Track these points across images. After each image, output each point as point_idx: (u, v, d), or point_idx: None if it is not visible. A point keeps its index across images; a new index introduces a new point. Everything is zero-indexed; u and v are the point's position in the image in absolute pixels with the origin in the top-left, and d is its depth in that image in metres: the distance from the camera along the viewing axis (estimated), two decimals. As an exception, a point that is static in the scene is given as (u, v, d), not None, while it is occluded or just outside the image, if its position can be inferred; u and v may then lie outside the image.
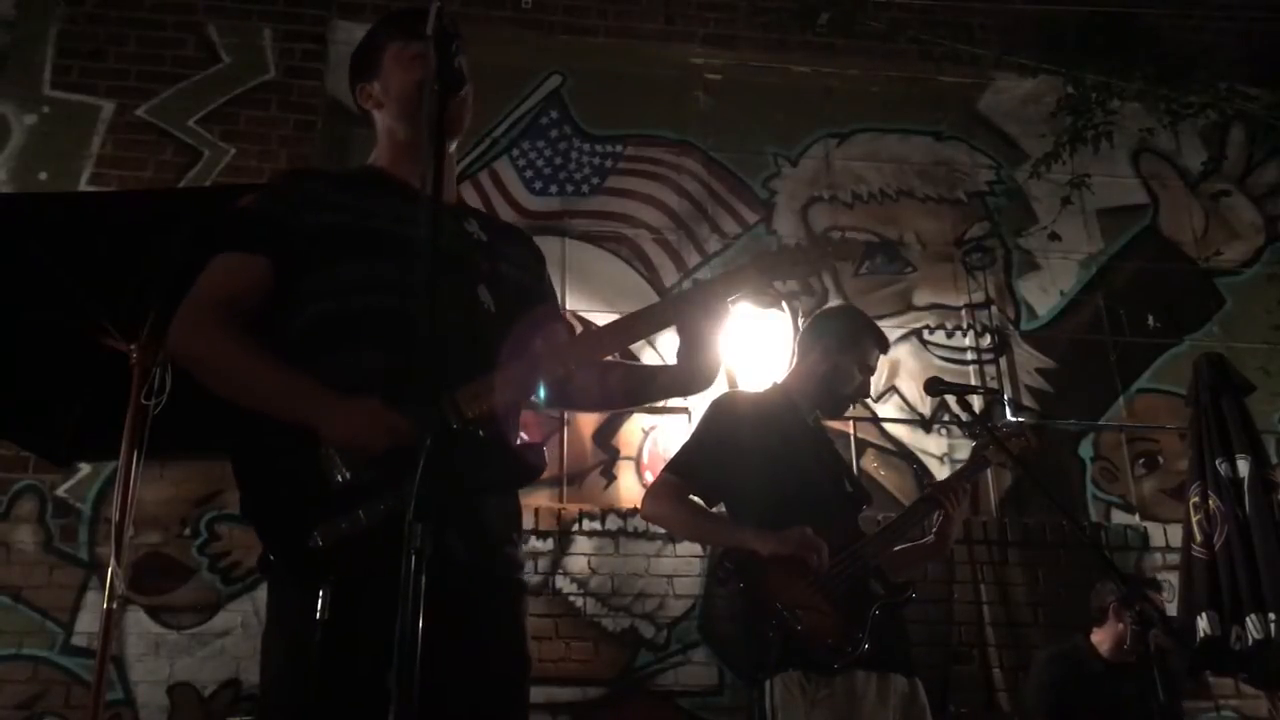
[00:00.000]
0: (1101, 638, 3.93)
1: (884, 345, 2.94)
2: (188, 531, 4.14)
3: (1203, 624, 4.09)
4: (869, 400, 4.89)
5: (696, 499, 2.73)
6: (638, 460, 4.61)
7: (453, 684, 1.44)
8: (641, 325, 1.82)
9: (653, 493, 2.75)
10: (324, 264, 1.64)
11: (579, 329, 4.74)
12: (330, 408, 1.50)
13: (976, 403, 4.80)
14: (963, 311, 5.13)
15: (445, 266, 1.45)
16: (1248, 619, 4.03)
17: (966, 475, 2.94)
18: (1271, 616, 3.98)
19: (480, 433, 1.53)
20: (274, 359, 1.59)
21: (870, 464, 4.76)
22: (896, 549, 2.84)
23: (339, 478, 1.48)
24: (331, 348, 1.60)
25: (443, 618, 1.11)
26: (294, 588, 1.50)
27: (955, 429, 4.87)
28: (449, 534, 1.42)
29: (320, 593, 1.40)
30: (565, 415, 4.61)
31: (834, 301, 4.97)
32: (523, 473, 1.61)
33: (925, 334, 5.07)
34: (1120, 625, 3.89)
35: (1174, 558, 4.48)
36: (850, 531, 2.73)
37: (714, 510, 2.77)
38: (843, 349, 2.86)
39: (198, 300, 1.64)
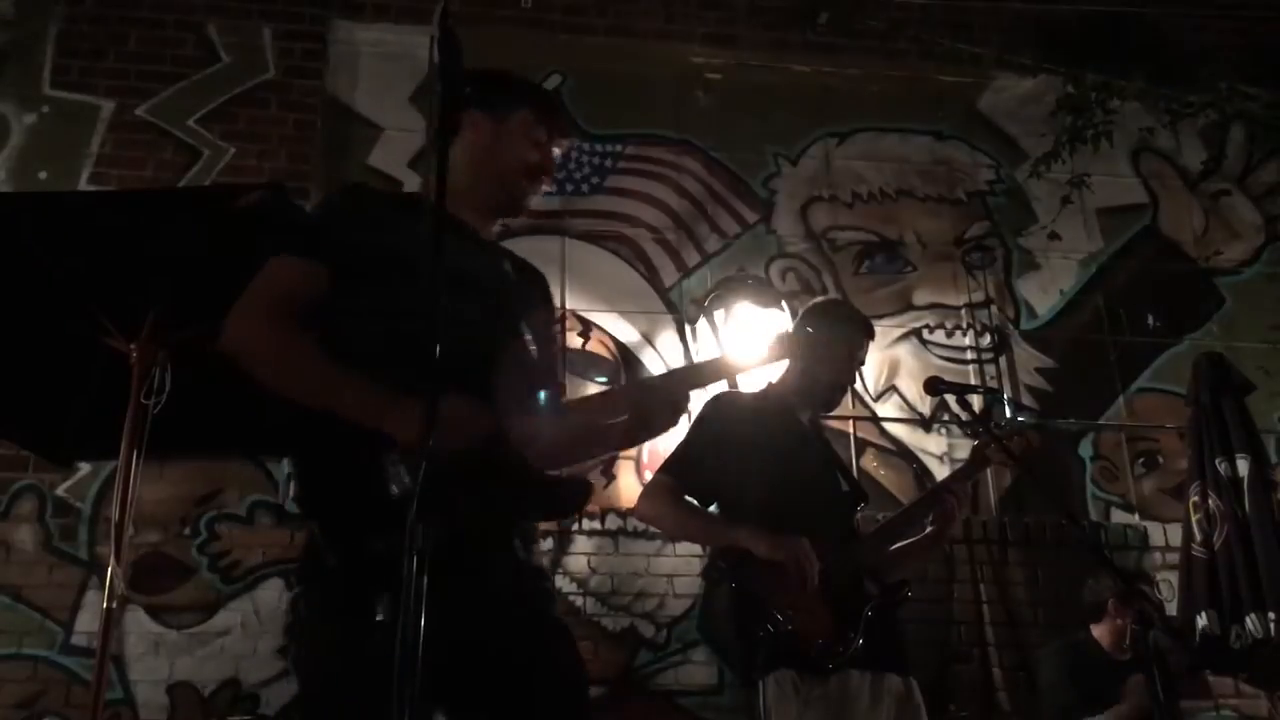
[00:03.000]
0: (1100, 633, 3.95)
1: (867, 331, 2.91)
2: (188, 531, 4.14)
3: (1202, 623, 4.10)
4: (869, 399, 4.89)
5: (691, 499, 2.73)
6: (637, 460, 4.61)
7: (536, 699, 1.57)
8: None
9: (647, 493, 2.75)
10: (374, 283, 1.64)
11: (579, 328, 4.76)
12: (408, 408, 1.48)
13: (976, 402, 4.79)
14: (963, 311, 5.13)
15: (495, 302, 1.67)
16: (1247, 618, 4.04)
17: (967, 475, 2.94)
18: (1271, 616, 3.99)
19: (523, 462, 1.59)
20: (340, 362, 1.58)
21: (870, 463, 4.76)
22: (897, 546, 2.84)
23: (397, 488, 1.48)
24: (375, 366, 1.58)
25: (512, 637, 1.33)
26: (349, 590, 1.50)
27: (955, 429, 4.87)
28: (498, 560, 1.58)
29: (378, 597, 1.41)
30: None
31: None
32: (563, 504, 1.72)
33: (925, 334, 5.07)
34: (1118, 621, 3.91)
35: (1174, 557, 4.48)
36: (845, 530, 2.73)
37: (708, 510, 2.78)
38: (818, 340, 2.86)
39: (257, 298, 1.65)
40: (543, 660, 1.62)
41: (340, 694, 1.50)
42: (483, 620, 1.54)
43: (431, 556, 1.37)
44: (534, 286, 1.94)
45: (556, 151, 1.91)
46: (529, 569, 1.73)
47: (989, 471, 4.63)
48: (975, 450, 2.96)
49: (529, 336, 1.82)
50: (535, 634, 1.64)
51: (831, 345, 2.85)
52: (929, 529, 2.89)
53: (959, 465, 3.05)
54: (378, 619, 1.40)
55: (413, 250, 1.66)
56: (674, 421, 1.80)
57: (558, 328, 2.07)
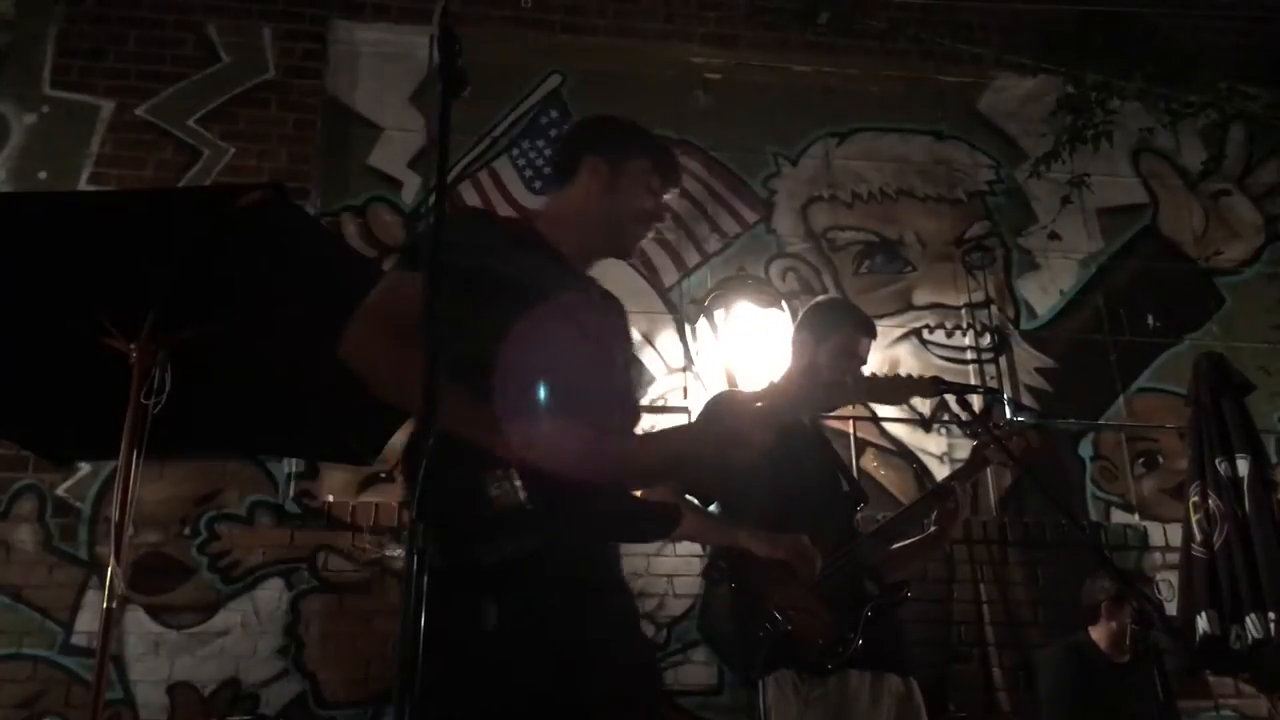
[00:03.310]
0: (1099, 635, 3.96)
1: (868, 330, 2.90)
2: (187, 531, 4.14)
3: (1202, 623, 4.10)
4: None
5: (691, 498, 2.73)
6: (638, 460, 4.60)
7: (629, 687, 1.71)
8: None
9: (647, 493, 2.75)
10: (486, 305, 1.69)
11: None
12: (512, 436, 1.56)
13: (976, 402, 4.80)
14: (962, 311, 5.13)
15: (601, 330, 1.83)
16: (1247, 618, 4.04)
17: (967, 475, 2.94)
18: (1271, 616, 3.99)
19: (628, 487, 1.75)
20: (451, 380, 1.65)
21: (870, 463, 4.76)
22: (898, 546, 2.85)
23: (517, 499, 1.55)
24: (483, 385, 1.64)
25: (618, 643, 1.59)
26: (459, 598, 1.54)
27: (955, 429, 4.87)
28: (600, 577, 1.73)
29: (488, 604, 1.50)
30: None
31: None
32: (655, 527, 1.88)
33: (925, 333, 5.07)
34: (1113, 623, 3.91)
35: (1174, 557, 4.49)
36: (846, 530, 2.73)
37: (709, 510, 2.77)
38: (820, 340, 2.86)
39: (376, 311, 1.70)
40: (630, 678, 1.73)
41: (444, 695, 1.54)
42: (584, 634, 1.65)
43: (538, 571, 1.53)
44: (618, 316, 2.03)
45: (667, 198, 2.02)
46: (623, 588, 1.82)
47: (989, 471, 4.63)
48: (975, 450, 2.96)
49: (619, 363, 1.92)
50: (628, 649, 1.76)
51: (821, 345, 2.85)
52: (930, 529, 2.89)
53: (959, 465, 3.05)
54: (487, 628, 1.49)
55: (526, 278, 1.78)
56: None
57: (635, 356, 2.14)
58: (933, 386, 2.42)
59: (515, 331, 1.70)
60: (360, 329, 1.69)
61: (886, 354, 4.95)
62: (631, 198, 1.94)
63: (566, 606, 1.61)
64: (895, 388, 2.28)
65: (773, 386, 2.96)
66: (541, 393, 1.68)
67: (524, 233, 1.92)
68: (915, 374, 2.42)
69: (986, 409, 4.78)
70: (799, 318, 3.01)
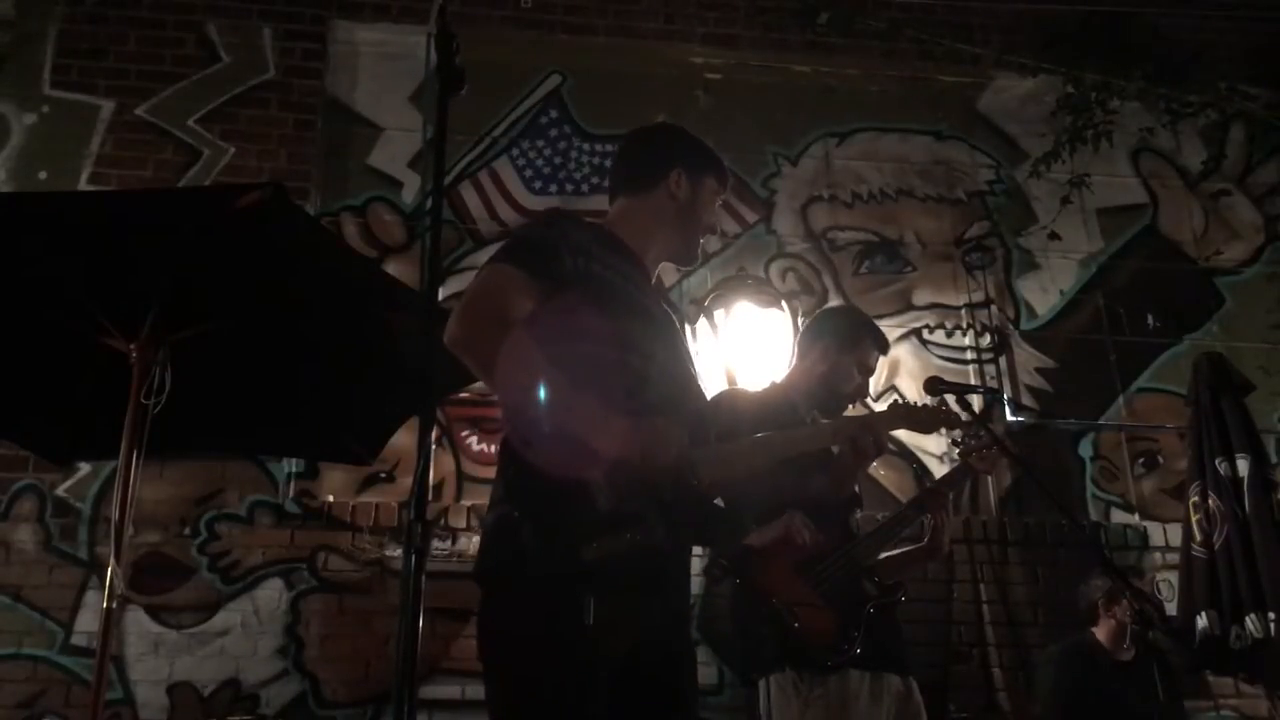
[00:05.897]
0: (1102, 634, 3.97)
1: (884, 346, 2.95)
2: (187, 531, 4.14)
3: (1202, 623, 4.10)
4: (868, 400, 4.88)
5: None
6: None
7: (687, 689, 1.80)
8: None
9: None
10: (581, 306, 1.76)
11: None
12: (622, 428, 1.62)
13: (976, 402, 4.79)
14: (962, 311, 5.13)
15: (674, 337, 1.91)
16: (1247, 618, 4.04)
17: (949, 483, 2.98)
18: (1271, 616, 3.98)
19: (709, 496, 1.81)
20: (556, 378, 1.68)
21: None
22: (896, 552, 2.86)
23: (603, 503, 1.60)
24: (578, 387, 1.67)
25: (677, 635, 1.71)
26: (557, 593, 1.59)
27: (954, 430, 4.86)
28: (678, 578, 1.82)
29: (585, 601, 1.55)
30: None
31: (834, 301, 4.97)
32: (727, 532, 1.99)
33: (925, 333, 5.07)
34: (1112, 620, 3.92)
35: (1174, 557, 4.48)
36: (844, 532, 2.74)
37: None
38: (843, 349, 2.88)
39: (481, 304, 1.74)
40: (683, 673, 1.82)
41: (547, 692, 1.59)
42: (661, 630, 1.73)
43: (628, 568, 1.59)
44: (680, 324, 2.08)
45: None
46: (687, 587, 1.89)
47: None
48: (959, 457, 2.99)
49: (695, 375, 1.98)
50: (685, 649, 1.86)
51: (844, 355, 2.88)
52: (926, 539, 2.90)
53: (957, 465, 3.06)
54: (586, 623, 1.53)
55: (614, 280, 1.85)
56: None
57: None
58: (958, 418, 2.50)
59: (619, 337, 1.77)
60: (461, 320, 1.72)
61: (886, 355, 4.95)
62: (704, 211, 2.06)
63: (647, 603, 1.67)
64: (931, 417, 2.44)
65: (774, 386, 2.97)
66: (643, 399, 1.73)
67: (607, 236, 1.98)
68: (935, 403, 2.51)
69: (986, 410, 4.77)
70: (819, 321, 3.04)
